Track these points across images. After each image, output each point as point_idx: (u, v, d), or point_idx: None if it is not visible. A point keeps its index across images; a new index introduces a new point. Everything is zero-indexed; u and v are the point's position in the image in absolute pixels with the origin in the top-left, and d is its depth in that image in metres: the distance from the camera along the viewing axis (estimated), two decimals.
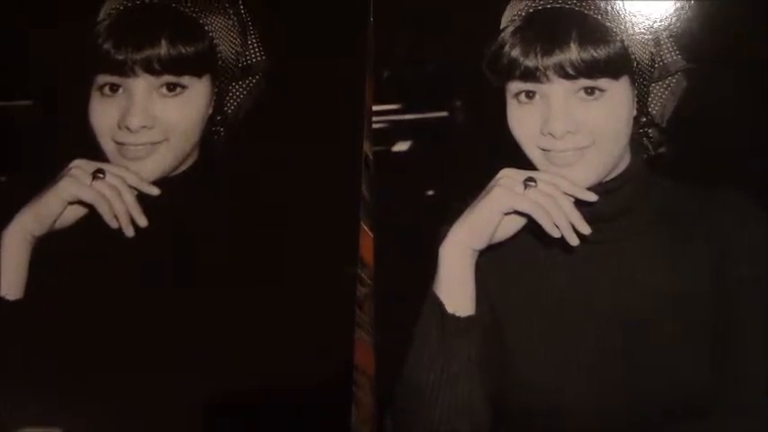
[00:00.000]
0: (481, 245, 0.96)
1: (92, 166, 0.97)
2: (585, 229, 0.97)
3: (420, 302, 0.95)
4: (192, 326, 0.97)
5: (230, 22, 1.02)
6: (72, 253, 0.96)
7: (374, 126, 1.03)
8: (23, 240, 0.95)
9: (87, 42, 0.98)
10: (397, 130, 1.02)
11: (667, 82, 1.04)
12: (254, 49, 1.03)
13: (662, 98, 1.04)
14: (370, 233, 1.00)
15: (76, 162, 0.97)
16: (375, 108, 1.03)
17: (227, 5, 1.02)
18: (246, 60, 1.02)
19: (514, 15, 1.01)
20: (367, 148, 1.03)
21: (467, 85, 1.01)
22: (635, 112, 1.01)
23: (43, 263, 0.95)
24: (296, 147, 1.00)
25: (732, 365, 0.97)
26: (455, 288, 0.95)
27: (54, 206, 0.95)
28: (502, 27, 0.98)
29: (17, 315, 0.95)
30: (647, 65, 1.02)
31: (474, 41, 1.00)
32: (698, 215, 1.01)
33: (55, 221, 0.96)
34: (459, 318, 0.95)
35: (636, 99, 1.01)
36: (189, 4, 0.99)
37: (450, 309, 0.94)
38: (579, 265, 0.99)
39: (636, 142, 1.03)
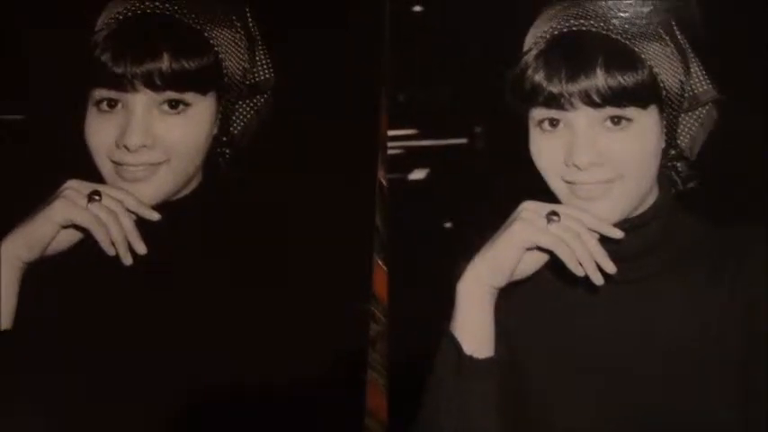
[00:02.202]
0: (501, 282, 0.94)
1: (87, 187, 0.94)
2: (610, 268, 0.95)
3: (436, 342, 0.94)
4: (192, 363, 0.94)
5: (237, 36, 1.00)
6: (65, 280, 0.94)
7: (389, 152, 1.02)
8: (12, 266, 0.93)
9: (83, 53, 0.96)
10: (414, 157, 1.01)
11: (697, 113, 1.04)
12: (262, 65, 1.02)
13: (691, 130, 1.04)
14: (383, 267, 0.99)
15: (71, 182, 0.95)
16: (390, 133, 1.02)
17: (233, 18, 1.00)
18: (254, 78, 1.01)
19: (538, 37, 1.00)
20: (381, 175, 1.02)
21: (487, 111, 1.01)
22: (663, 144, 1.00)
23: (34, 291, 0.93)
24: (305, 172, 0.99)
25: (754, 414, 0.97)
26: (473, 328, 0.94)
27: (46, 230, 0.93)
28: (525, 49, 0.98)
29: (4, 347, 0.92)
30: (676, 94, 1.02)
31: (495, 63, 1.01)
32: (726, 256, 1.00)
33: (46, 246, 0.93)
34: (477, 359, 0.93)
35: (665, 130, 1.01)
36: (193, 16, 0.97)
37: (467, 350, 0.93)
38: (603, 304, 0.97)
39: (664, 176, 1.04)
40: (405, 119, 1.01)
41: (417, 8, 1.04)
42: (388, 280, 0.99)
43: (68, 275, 0.94)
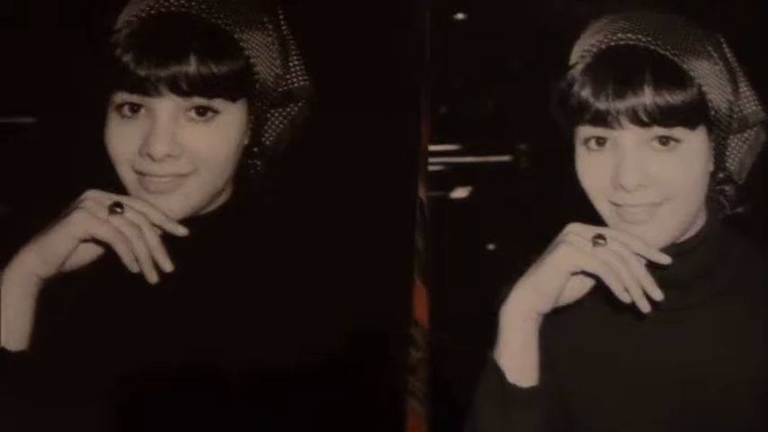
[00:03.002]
0: (546, 308, 0.91)
1: (108, 198, 0.89)
2: (657, 295, 0.92)
3: (478, 370, 0.91)
4: (221, 386, 0.90)
5: (269, 40, 0.95)
6: (84, 298, 0.89)
7: (430, 168, 0.99)
8: (27, 282, 0.87)
9: (104, 53, 0.90)
10: (456, 174, 0.98)
11: (746, 135, 1.02)
12: (296, 72, 0.97)
13: (740, 152, 1.02)
14: (424, 289, 0.96)
15: (90, 193, 0.89)
16: (431, 148, 1.00)
17: (265, 20, 0.95)
18: (287, 85, 0.96)
19: (585, 51, 0.97)
20: (422, 193, 0.99)
21: (532, 127, 0.99)
22: (712, 167, 0.99)
23: (51, 309, 0.87)
24: (342, 188, 0.97)
25: None
26: (517, 355, 0.90)
27: (63, 244, 0.87)
28: (571, 63, 0.95)
29: (19, 369, 0.86)
30: (725, 115, 1.00)
31: (541, 77, 0.99)
32: None
33: (64, 261, 0.87)
34: (521, 388, 0.90)
35: (713, 152, 1.00)
36: (222, 16, 0.91)
37: (511, 378, 0.90)
38: (650, 332, 0.94)
39: (711, 200, 1.02)
40: (446, 133, 0.99)
41: (459, 15, 1.01)
42: (429, 304, 0.96)
43: (87, 293, 0.89)
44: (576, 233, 0.93)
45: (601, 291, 0.91)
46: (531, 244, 0.94)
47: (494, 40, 1.01)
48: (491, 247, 0.97)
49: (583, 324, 0.95)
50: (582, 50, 0.96)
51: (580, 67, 0.94)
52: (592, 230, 0.92)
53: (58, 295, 0.88)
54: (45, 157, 0.96)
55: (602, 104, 0.92)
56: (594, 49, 0.95)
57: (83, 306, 0.90)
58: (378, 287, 0.93)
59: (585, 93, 0.93)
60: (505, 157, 0.99)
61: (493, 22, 1.02)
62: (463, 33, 1.00)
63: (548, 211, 0.97)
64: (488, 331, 0.92)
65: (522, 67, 0.99)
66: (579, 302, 0.93)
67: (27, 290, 0.87)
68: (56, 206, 0.90)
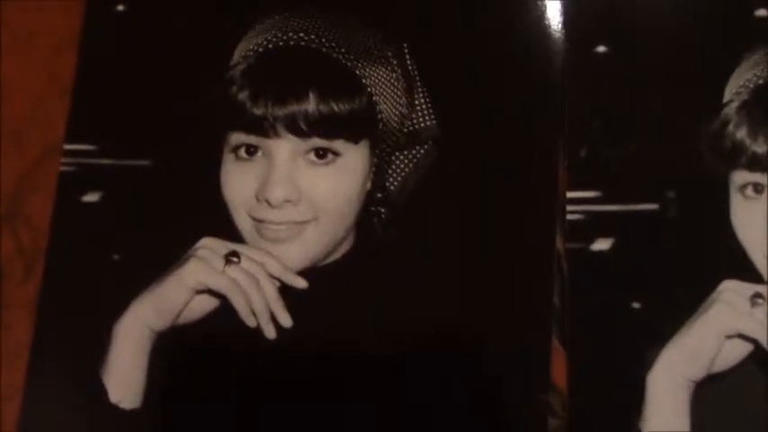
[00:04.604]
0: (698, 374, 0.89)
1: (224, 246, 0.90)
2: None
3: None
4: None
5: (393, 76, 0.95)
6: (198, 354, 0.90)
7: (568, 217, 0.97)
8: (141, 336, 0.89)
9: (218, 91, 0.91)
10: (597, 224, 0.95)
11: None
12: (422, 111, 0.96)
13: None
14: (562, 351, 0.94)
15: (205, 241, 0.91)
16: (569, 195, 0.97)
17: (389, 55, 0.95)
18: (413, 125, 0.96)
19: (740, 87, 0.95)
20: (559, 244, 0.97)
21: (682, 172, 0.95)
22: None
23: (164, 365, 0.90)
24: (472, 239, 0.94)
25: None
26: (665, 426, 0.88)
27: (178, 295, 0.89)
28: (725, 101, 0.93)
29: (134, 429, 0.89)
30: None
31: (692, 116, 0.95)
32: None
33: (178, 314, 0.90)
34: None
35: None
36: (343, 50, 0.92)
37: None
38: None
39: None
40: (586, 179, 0.96)
41: (601, 48, 0.99)
42: (568, 367, 0.94)
43: (202, 349, 0.90)
44: (732, 291, 0.91)
45: (760, 355, 0.87)
46: (682, 302, 0.91)
47: (639, 76, 0.98)
48: (636, 305, 0.94)
49: (740, 392, 0.91)
50: (737, 86, 0.94)
51: (735, 104, 0.93)
52: (750, 288, 0.91)
53: (171, 350, 0.90)
54: (159, 203, 0.98)
55: (760, 147, 0.89)
56: (751, 85, 0.93)
57: (196, 362, 0.91)
58: (511, 348, 0.92)
59: (741, 133, 0.92)
60: (652, 205, 0.95)
61: (638, 54, 0.98)
62: (605, 69, 0.97)
63: (700, 266, 0.93)
64: (634, 399, 0.89)
65: (671, 105, 0.95)
66: (737, 369, 0.89)
67: (141, 344, 0.90)
68: (170, 254, 0.91)
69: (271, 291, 0.90)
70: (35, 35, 1.07)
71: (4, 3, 1.10)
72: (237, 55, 0.95)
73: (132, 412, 0.89)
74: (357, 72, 0.92)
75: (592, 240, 0.96)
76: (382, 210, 0.96)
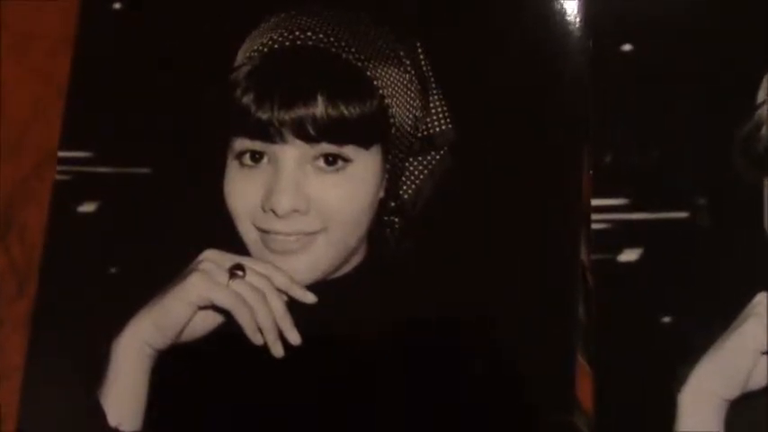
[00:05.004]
0: (733, 393, 0.86)
1: (228, 259, 0.88)
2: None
3: None
4: None
5: (407, 77, 0.92)
6: (201, 374, 0.87)
7: (593, 227, 0.93)
8: (141, 354, 0.86)
9: (221, 94, 0.88)
10: (624, 234, 0.92)
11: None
12: (437, 114, 0.93)
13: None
14: (588, 369, 0.91)
15: (208, 253, 0.88)
16: (594, 203, 0.94)
17: (402, 54, 0.92)
18: (428, 129, 0.93)
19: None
20: (584, 255, 0.94)
21: (714, 177, 0.92)
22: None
23: (165, 385, 0.87)
24: (490, 249, 0.91)
25: None
26: None
27: (179, 311, 0.86)
28: (759, 102, 0.91)
29: None
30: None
31: (723, 118, 0.92)
32: None
33: (181, 331, 0.87)
34: None
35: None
36: (353, 50, 0.89)
37: None
38: None
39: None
40: (612, 185, 0.93)
41: (626, 47, 0.95)
42: (594, 386, 0.90)
43: (206, 367, 0.88)
44: (766, 305, 0.86)
45: None
46: (714, 316, 0.88)
47: (667, 75, 0.94)
48: (666, 319, 0.91)
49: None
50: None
51: None
52: None
53: (172, 370, 0.87)
54: (159, 213, 0.96)
55: None
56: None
57: (199, 381, 0.89)
58: (534, 366, 0.89)
59: None
60: (682, 213, 0.92)
61: (665, 53, 0.95)
62: (631, 68, 0.94)
63: (733, 277, 0.90)
64: (664, 420, 0.86)
65: (702, 106, 0.91)
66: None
67: (141, 363, 0.87)
68: (171, 267, 0.88)
69: (278, 306, 0.87)
70: (32, 37, 1.04)
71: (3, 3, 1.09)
72: (241, 56, 0.92)
73: None
74: (368, 73, 0.89)
75: (618, 251, 0.92)
76: (396, 219, 0.93)
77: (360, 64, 0.89)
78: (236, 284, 0.86)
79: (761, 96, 0.92)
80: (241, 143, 0.89)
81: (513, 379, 0.90)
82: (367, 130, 0.88)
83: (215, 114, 0.91)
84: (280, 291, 0.88)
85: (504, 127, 0.95)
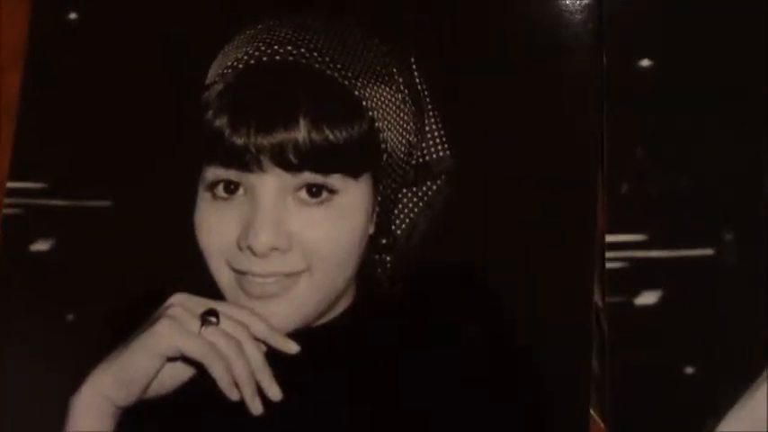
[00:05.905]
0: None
1: (200, 304, 0.83)
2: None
3: None
4: None
5: (400, 97, 0.87)
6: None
7: (608, 266, 0.90)
8: (102, 413, 0.81)
9: (191, 116, 0.84)
10: (642, 274, 0.88)
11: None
12: (434, 139, 0.90)
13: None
14: (602, 425, 0.87)
15: (177, 297, 0.84)
16: (609, 239, 0.90)
17: (394, 71, 0.88)
18: (423, 156, 0.90)
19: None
20: (598, 297, 0.90)
21: (742, 210, 0.88)
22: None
23: None
24: (494, 294, 0.87)
25: None
26: None
27: (146, 363, 0.81)
28: None
29: None
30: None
31: (753, 145, 0.88)
32: None
33: (147, 386, 0.82)
34: None
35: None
36: (339, 66, 0.84)
37: None
38: None
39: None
40: (629, 219, 0.89)
41: (645, 62, 0.90)
42: None
43: (176, 427, 0.83)
44: None
45: None
46: (742, 366, 0.85)
47: (690, 94, 0.89)
48: (688, 369, 0.88)
49: None
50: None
51: None
52: None
53: (138, 430, 0.83)
54: (122, 251, 0.92)
55: None
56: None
57: None
58: (543, 422, 0.85)
59: None
60: (707, 251, 0.88)
61: (688, 68, 0.90)
62: (649, 85, 0.89)
63: (763, 322, 0.86)
64: None
65: (728, 134, 0.86)
66: None
67: (101, 421, 0.83)
68: (136, 313, 0.84)
69: (256, 357, 0.82)
70: None
71: None
72: (213, 73, 0.88)
73: None
74: (356, 93, 0.84)
75: (636, 293, 0.88)
76: (388, 258, 0.89)
77: (347, 82, 0.84)
78: (209, 332, 0.82)
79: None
80: (213, 172, 0.84)
81: None
82: (355, 157, 0.84)
83: (184, 140, 0.87)
84: (258, 340, 0.83)
85: (507, 153, 0.90)
